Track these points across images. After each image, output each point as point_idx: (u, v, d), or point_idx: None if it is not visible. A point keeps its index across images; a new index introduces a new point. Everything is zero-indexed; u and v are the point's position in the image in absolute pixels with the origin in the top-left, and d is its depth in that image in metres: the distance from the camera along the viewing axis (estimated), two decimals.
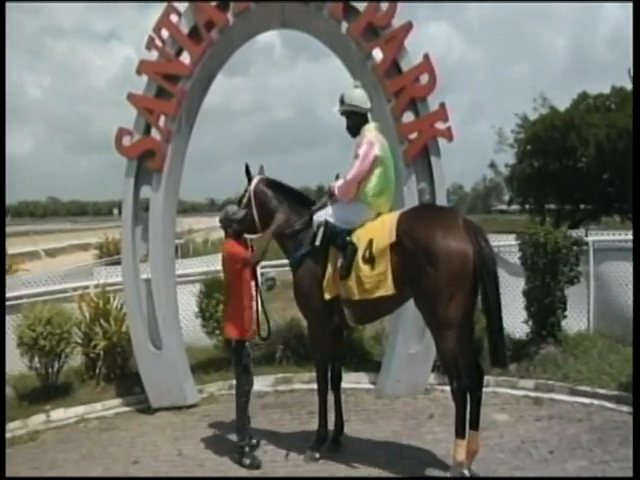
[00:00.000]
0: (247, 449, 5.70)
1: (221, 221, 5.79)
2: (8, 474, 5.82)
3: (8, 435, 6.79)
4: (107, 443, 6.49)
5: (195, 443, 6.25)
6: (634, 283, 8.02)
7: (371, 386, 7.65)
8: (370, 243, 5.25)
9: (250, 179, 6.07)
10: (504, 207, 69.91)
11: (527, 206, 44.05)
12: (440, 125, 7.15)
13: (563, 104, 37.24)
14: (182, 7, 7.21)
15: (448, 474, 5.11)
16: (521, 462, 5.45)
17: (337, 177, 5.75)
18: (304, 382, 7.78)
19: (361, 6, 7.07)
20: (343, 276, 5.37)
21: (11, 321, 8.11)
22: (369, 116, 5.83)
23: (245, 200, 6.01)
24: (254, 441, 5.92)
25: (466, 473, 5.01)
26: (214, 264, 9.28)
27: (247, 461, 5.62)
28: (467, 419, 5.04)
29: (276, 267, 11.42)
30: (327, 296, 5.47)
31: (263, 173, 6.15)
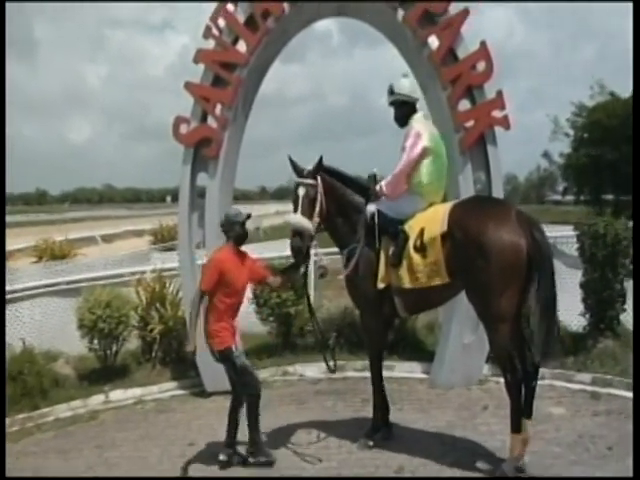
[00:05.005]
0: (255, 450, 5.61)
1: (222, 225, 5.55)
2: (71, 450, 6.05)
3: (70, 413, 7.08)
4: (164, 425, 6.66)
5: None
6: (634, 279, 7.73)
7: (424, 376, 7.63)
8: (422, 232, 5.21)
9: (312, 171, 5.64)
10: (558, 197, 68.39)
11: (582, 197, 42.91)
12: (497, 113, 7.04)
13: (626, 91, 35.99)
14: None
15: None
16: (578, 457, 5.33)
17: (374, 177, 5.69)
18: (357, 370, 7.82)
19: None
20: (394, 264, 5.35)
21: (72, 304, 8.38)
22: (417, 106, 5.73)
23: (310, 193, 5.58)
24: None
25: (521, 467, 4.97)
26: (268, 251, 9.37)
27: (263, 459, 5.58)
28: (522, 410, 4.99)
29: (328, 254, 11.51)
30: (380, 285, 5.45)
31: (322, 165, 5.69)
